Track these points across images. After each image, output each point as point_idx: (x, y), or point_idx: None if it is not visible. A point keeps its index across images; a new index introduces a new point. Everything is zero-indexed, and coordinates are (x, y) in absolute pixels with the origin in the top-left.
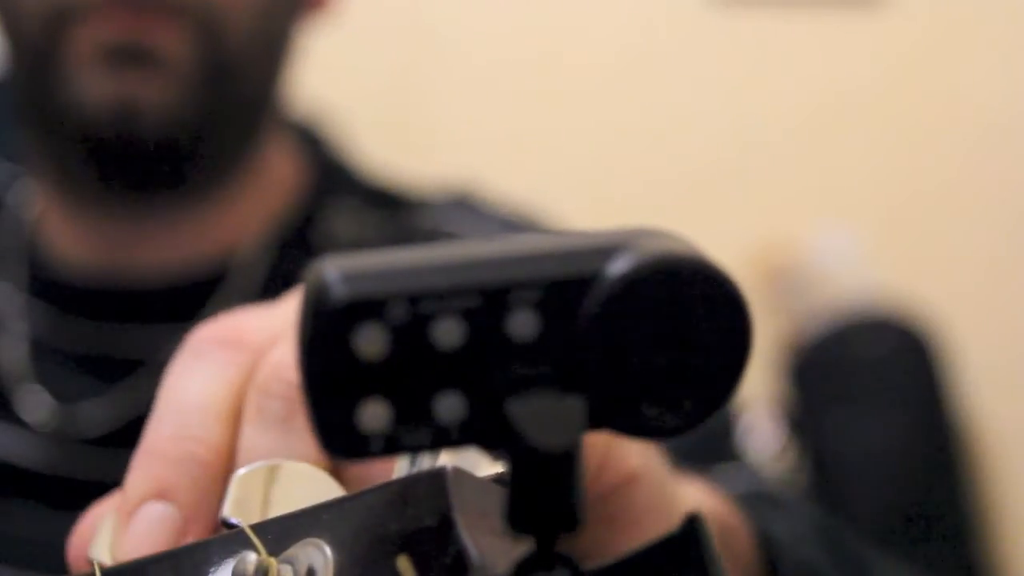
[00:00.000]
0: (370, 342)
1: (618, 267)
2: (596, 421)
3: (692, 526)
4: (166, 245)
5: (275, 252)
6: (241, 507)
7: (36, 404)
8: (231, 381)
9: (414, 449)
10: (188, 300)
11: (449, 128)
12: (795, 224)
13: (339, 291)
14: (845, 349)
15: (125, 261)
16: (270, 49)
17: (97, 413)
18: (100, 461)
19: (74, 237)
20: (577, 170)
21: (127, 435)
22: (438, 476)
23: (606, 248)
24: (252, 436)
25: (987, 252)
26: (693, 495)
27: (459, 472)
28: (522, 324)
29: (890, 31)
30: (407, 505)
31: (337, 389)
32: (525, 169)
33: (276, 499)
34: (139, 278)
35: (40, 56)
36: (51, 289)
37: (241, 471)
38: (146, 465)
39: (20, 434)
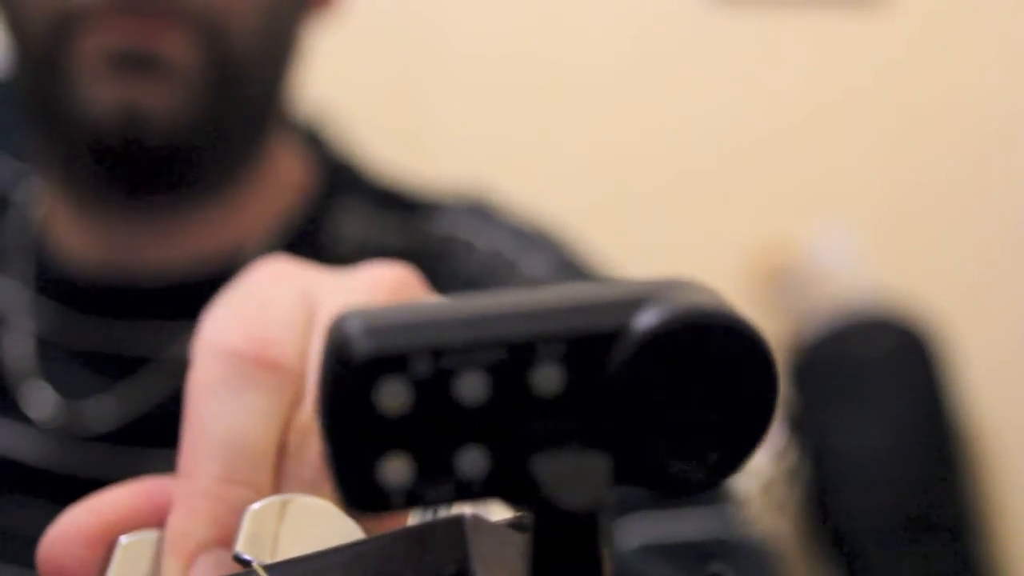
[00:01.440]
0: (393, 397)
1: (644, 321)
2: (621, 477)
3: None
4: (172, 244)
5: (282, 251)
6: (254, 543)
7: (42, 401)
8: (276, 416)
9: (436, 503)
10: (194, 298)
11: (450, 127)
12: (795, 224)
13: (362, 346)
14: (845, 349)
15: (131, 259)
16: (274, 52)
17: (103, 410)
18: (106, 458)
19: (80, 235)
20: (577, 170)
21: (133, 432)
22: (456, 523)
23: (632, 301)
24: (294, 471)
25: (987, 252)
26: None
27: (477, 519)
28: (547, 379)
29: (890, 31)
30: (424, 552)
31: (359, 444)
32: (525, 169)
33: (288, 535)
34: (145, 276)
35: (46, 62)
36: (57, 286)
37: (255, 506)
38: (204, 508)
39: (26, 431)
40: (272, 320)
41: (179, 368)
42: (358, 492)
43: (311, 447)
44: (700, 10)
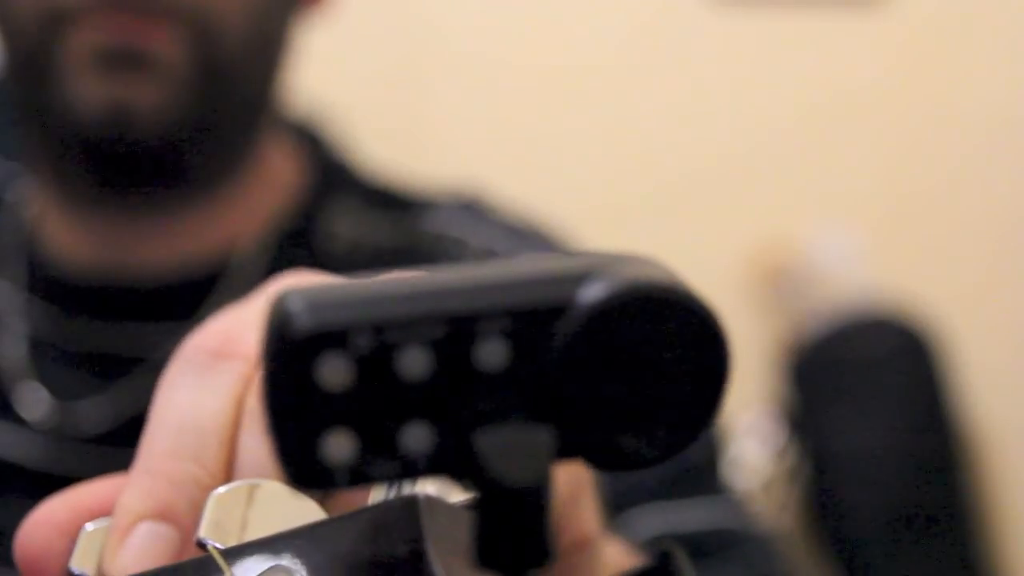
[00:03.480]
0: (334, 373)
1: (590, 295)
2: (568, 452)
3: (667, 559)
4: (165, 244)
5: (274, 250)
6: (218, 528)
7: (35, 402)
8: (228, 395)
9: (381, 480)
10: (187, 298)
11: (448, 127)
12: (795, 224)
13: (302, 321)
14: (845, 349)
15: (124, 259)
16: (265, 50)
17: (96, 411)
18: (99, 459)
19: (73, 235)
20: (576, 170)
21: (126, 433)
22: (411, 504)
23: (578, 275)
24: (251, 449)
25: (987, 252)
26: (614, 556)
27: (432, 500)
28: (491, 354)
29: (890, 31)
30: (379, 533)
31: (301, 420)
32: (524, 169)
33: (254, 520)
34: (138, 276)
35: (35, 59)
36: (50, 287)
37: (219, 490)
38: (143, 484)
39: (19, 432)
40: (244, 319)
41: None
42: (301, 469)
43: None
44: (700, 10)
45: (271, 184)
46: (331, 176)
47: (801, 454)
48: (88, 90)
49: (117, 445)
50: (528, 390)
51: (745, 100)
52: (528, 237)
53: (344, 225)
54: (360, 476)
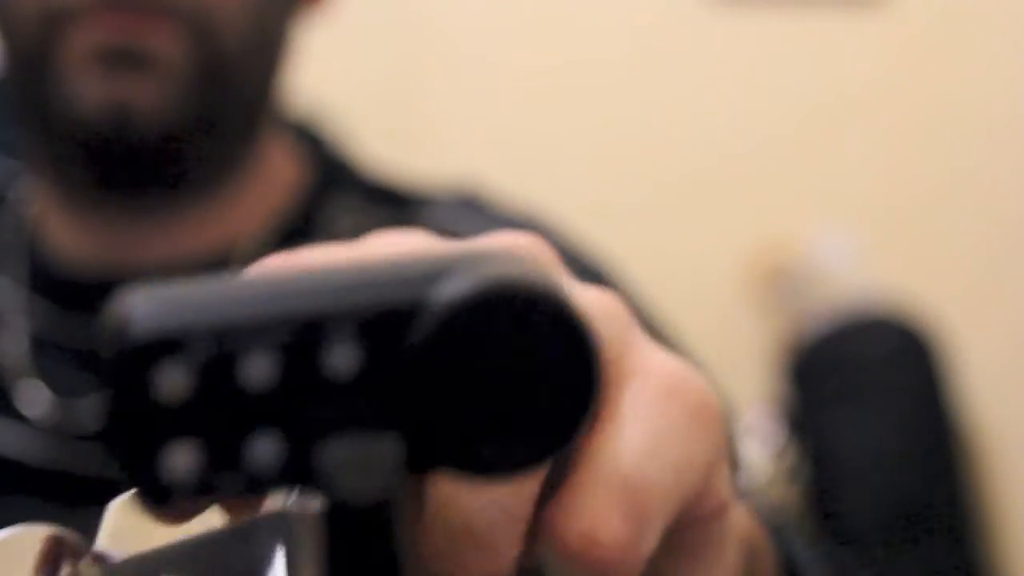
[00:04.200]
0: (172, 382)
1: (443, 294)
2: (424, 463)
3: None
4: (165, 242)
5: (275, 248)
6: (117, 539)
7: (36, 399)
8: None
9: (229, 494)
10: None
11: (449, 127)
12: (795, 224)
13: (136, 327)
14: (845, 349)
15: (124, 257)
16: (265, 48)
17: (96, 408)
18: (100, 456)
19: (74, 233)
20: (576, 170)
21: None
22: (281, 516)
23: (431, 273)
24: None
25: (987, 252)
26: (740, 520)
27: (303, 511)
28: (340, 360)
29: (890, 31)
30: (252, 545)
31: (140, 431)
32: (524, 168)
33: (163, 530)
34: (138, 273)
35: (35, 58)
36: (51, 285)
37: (117, 500)
38: None
39: (20, 429)
40: None
41: None
42: (142, 482)
43: None
44: (700, 10)
45: (271, 182)
46: (331, 174)
47: (801, 454)
48: (88, 89)
49: None
50: (380, 397)
51: (745, 100)
52: (525, 229)
53: (344, 222)
54: (205, 488)
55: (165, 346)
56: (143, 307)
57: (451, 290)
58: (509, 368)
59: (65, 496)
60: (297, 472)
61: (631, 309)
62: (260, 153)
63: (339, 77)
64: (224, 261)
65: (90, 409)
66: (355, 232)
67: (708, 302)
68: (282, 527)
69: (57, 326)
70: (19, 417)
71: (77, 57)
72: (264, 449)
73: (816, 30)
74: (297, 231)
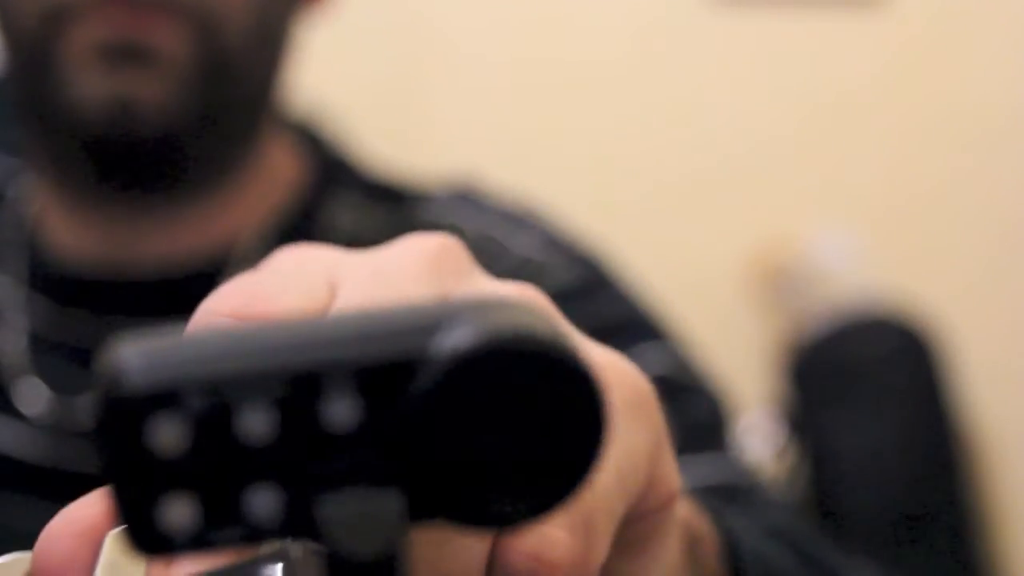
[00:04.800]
0: (167, 435)
1: (445, 346)
2: (428, 514)
3: None
4: (165, 239)
5: (275, 245)
6: (114, 570)
7: (35, 397)
8: (322, 277)
9: (226, 546)
10: (187, 293)
11: (449, 126)
12: (795, 224)
13: (132, 380)
14: (845, 349)
15: (124, 255)
16: (267, 46)
17: (92, 424)
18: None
19: (74, 231)
20: (577, 170)
21: None
22: (281, 557)
23: (432, 324)
24: None
25: (987, 252)
26: (681, 506)
27: (306, 552)
28: (339, 412)
29: (890, 31)
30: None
31: (136, 484)
32: (524, 168)
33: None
34: (138, 272)
35: (37, 55)
36: (51, 282)
37: (116, 530)
38: None
39: (19, 427)
40: (271, 283)
41: None
42: (140, 535)
43: None
44: (700, 10)
45: (272, 180)
46: (331, 172)
47: (801, 454)
48: (90, 85)
49: None
50: (381, 450)
51: (745, 100)
52: (522, 220)
53: (344, 219)
54: (202, 542)
55: (160, 399)
56: (137, 359)
57: (453, 341)
58: (513, 419)
59: (64, 494)
60: (297, 525)
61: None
62: (261, 151)
63: (339, 77)
64: (224, 259)
65: (89, 407)
66: (355, 230)
67: (708, 302)
68: (285, 569)
69: (56, 324)
70: (18, 415)
71: (79, 54)
72: (262, 503)
73: (816, 30)
74: (297, 229)
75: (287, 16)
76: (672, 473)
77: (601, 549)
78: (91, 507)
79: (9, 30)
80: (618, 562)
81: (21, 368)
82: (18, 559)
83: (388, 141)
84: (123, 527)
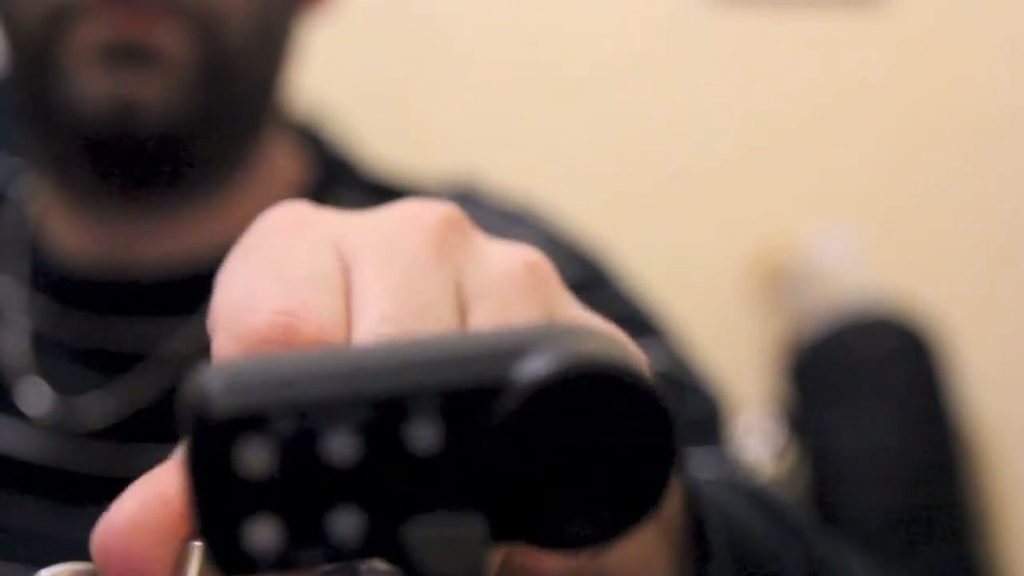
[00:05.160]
0: (255, 458)
1: (526, 373)
2: (507, 536)
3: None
4: (167, 239)
5: None
6: None
7: (37, 397)
8: (330, 248)
9: (309, 566)
10: (189, 293)
11: (448, 127)
12: (795, 224)
13: (221, 404)
14: (845, 349)
15: (126, 255)
16: (268, 46)
17: (98, 406)
18: (101, 454)
19: (76, 231)
20: (576, 170)
21: (129, 428)
22: (352, 573)
23: (513, 351)
24: (370, 292)
25: (986, 252)
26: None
27: (373, 572)
28: (423, 437)
29: (890, 31)
30: None
31: (222, 506)
32: (524, 169)
33: None
34: (140, 271)
35: (38, 55)
36: (53, 282)
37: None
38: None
39: (21, 427)
40: (300, 286)
41: (175, 363)
42: (225, 556)
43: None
44: (700, 10)
45: (274, 180)
46: (332, 172)
47: (801, 454)
48: (92, 85)
49: (120, 440)
50: (464, 474)
51: (745, 100)
52: (520, 218)
53: None
54: (286, 562)
55: (247, 423)
56: (224, 382)
57: (533, 368)
58: (589, 444)
59: (66, 494)
60: (380, 548)
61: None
62: (263, 152)
63: (339, 77)
64: (226, 257)
65: (91, 407)
66: None
67: (708, 302)
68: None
69: (58, 324)
70: (20, 415)
71: (80, 54)
72: (346, 525)
73: (816, 30)
74: None
75: (288, 17)
76: None
77: None
78: (164, 505)
79: (11, 30)
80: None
81: (23, 368)
82: (68, 569)
83: (388, 141)
84: (208, 550)
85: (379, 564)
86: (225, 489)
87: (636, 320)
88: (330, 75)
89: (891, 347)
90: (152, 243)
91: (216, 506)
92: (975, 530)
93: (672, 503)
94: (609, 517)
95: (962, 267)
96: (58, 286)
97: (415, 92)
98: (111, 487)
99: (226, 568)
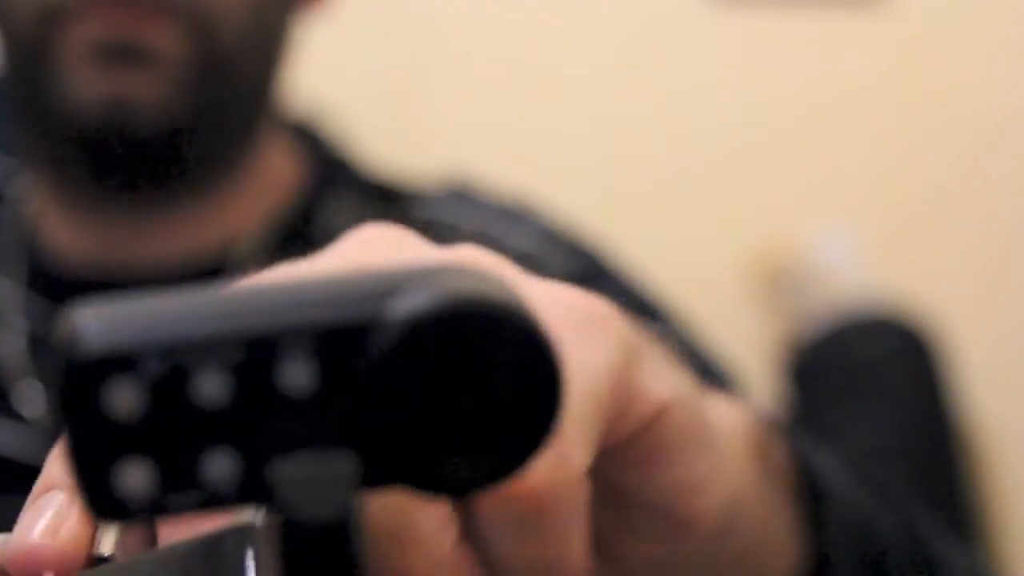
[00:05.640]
0: (123, 399)
1: (401, 310)
2: (383, 479)
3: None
4: (163, 240)
5: (273, 246)
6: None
7: (34, 398)
8: None
9: (183, 511)
10: None
11: (447, 127)
12: (795, 224)
13: (88, 344)
14: (845, 349)
15: (123, 256)
16: (264, 46)
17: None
18: None
19: (72, 232)
20: (576, 170)
21: None
22: (245, 530)
23: (386, 289)
24: None
25: (986, 252)
26: (726, 414)
27: (269, 524)
28: (295, 377)
29: (890, 31)
30: (217, 558)
31: (92, 448)
32: (524, 169)
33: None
34: (137, 273)
35: (33, 54)
36: (49, 283)
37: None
38: None
39: (18, 429)
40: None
41: None
42: (96, 499)
43: None
44: (700, 10)
45: (270, 181)
46: (329, 172)
47: None
48: (86, 85)
49: None
50: (336, 414)
51: (745, 100)
52: (517, 215)
53: (342, 219)
54: (159, 507)
55: (116, 363)
56: (94, 323)
57: (408, 305)
58: (468, 384)
59: None
60: (253, 490)
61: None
62: (259, 152)
63: (339, 77)
64: (222, 259)
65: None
66: (352, 228)
67: (708, 302)
68: (248, 539)
69: (55, 325)
70: (17, 417)
71: (75, 53)
72: (218, 467)
73: (816, 30)
74: (295, 230)
75: (284, 16)
76: (658, 385)
77: (575, 465)
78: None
79: (6, 29)
80: (638, 478)
81: (20, 370)
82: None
83: (388, 141)
84: (81, 494)
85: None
86: (95, 431)
87: (644, 308)
88: (329, 75)
89: (891, 347)
90: (148, 243)
91: (87, 449)
92: (975, 530)
93: (786, 475)
94: (489, 460)
95: (962, 267)
96: (55, 287)
97: (414, 92)
98: None
99: (98, 513)
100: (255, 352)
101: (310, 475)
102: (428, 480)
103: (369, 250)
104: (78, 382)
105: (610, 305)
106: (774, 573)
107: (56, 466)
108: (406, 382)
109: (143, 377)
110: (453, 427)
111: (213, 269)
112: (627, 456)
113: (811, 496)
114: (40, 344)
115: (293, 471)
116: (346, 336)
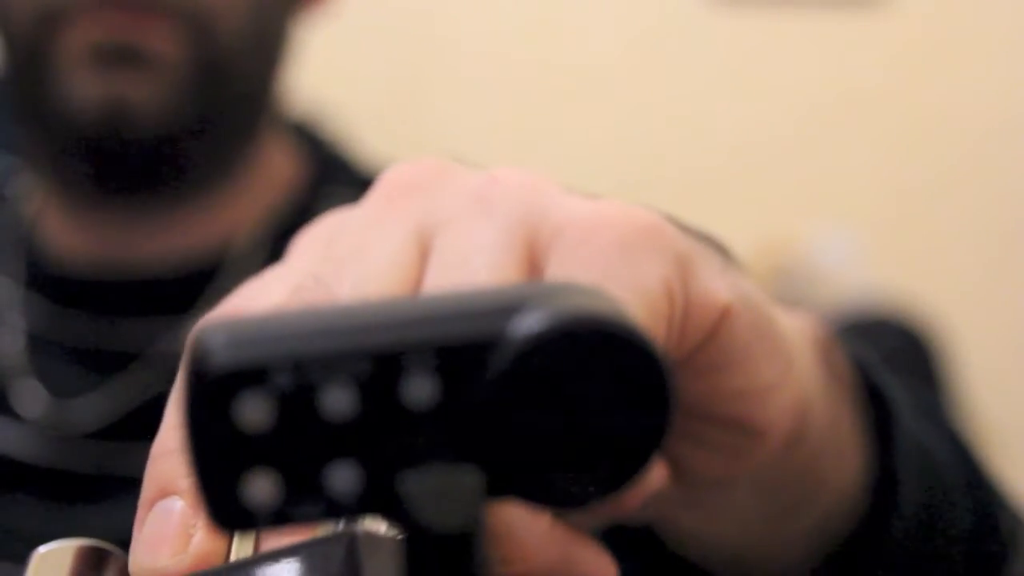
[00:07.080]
0: (253, 412)
1: (522, 328)
2: (502, 491)
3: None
4: (162, 239)
5: (272, 243)
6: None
7: (32, 398)
8: (407, 234)
9: (306, 521)
10: (184, 293)
11: (448, 127)
12: (795, 224)
13: (218, 359)
14: (844, 349)
15: (121, 254)
16: (263, 47)
17: (93, 407)
18: (96, 454)
19: (71, 231)
20: (576, 170)
21: (123, 428)
22: (349, 540)
23: (510, 306)
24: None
25: (986, 252)
26: (790, 319)
27: (370, 535)
28: (418, 391)
29: (890, 31)
30: (315, 569)
31: (220, 460)
32: (522, 168)
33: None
34: (136, 272)
35: (32, 56)
36: (48, 282)
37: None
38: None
39: (16, 428)
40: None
41: (169, 363)
42: (222, 510)
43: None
44: (700, 10)
45: (269, 180)
46: (329, 171)
47: None
48: (85, 87)
49: (115, 440)
50: (458, 428)
51: (745, 100)
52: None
53: None
54: (284, 517)
55: (248, 377)
56: (223, 338)
57: (529, 324)
58: (583, 402)
59: (62, 494)
60: (376, 501)
61: None
62: (258, 152)
63: (339, 77)
64: (221, 259)
65: (86, 407)
66: None
67: None
68: (350, 550)
69: (53, 324)
70: (15, 416)
71: (74, 55)
72: (342, 478)
73: (816, 30)
74: (294, 229)
75: (283, 17)
76: (716, 288)
77: None
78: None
79: (5, 31)
80: (708, 387)
81: (19, 369)
82: (72, 546)
83: (388, 141)
84: (206, 504)
85: (376, 525)
86: (223, 444)
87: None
88: (330, 75)
89: (891, 347)
90: (147, 243)
91: (214, 461)
92: None
93: (851, 384)
94: (603, 474)
95: (962, 267)
96: (53, 286)
97: (414, 91)
98: (107, 487)
99: (224, 524)
100: (381, 366)
101: (439, 487)
102: (542, 493)
103: (416, 183)
104: (209, 396)
105: (655, 214)
106: (839, 484)
107: (164, 467)
108: (525, 399)
109: (272, 390)
110: (568, 443)
111: (211, 269)
112: (694, 366)
113: (876, 408)
114: (39, 343)
115: (422, 483)
116: (468, 353)
